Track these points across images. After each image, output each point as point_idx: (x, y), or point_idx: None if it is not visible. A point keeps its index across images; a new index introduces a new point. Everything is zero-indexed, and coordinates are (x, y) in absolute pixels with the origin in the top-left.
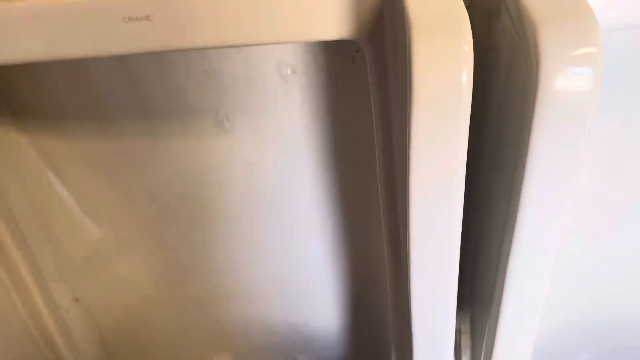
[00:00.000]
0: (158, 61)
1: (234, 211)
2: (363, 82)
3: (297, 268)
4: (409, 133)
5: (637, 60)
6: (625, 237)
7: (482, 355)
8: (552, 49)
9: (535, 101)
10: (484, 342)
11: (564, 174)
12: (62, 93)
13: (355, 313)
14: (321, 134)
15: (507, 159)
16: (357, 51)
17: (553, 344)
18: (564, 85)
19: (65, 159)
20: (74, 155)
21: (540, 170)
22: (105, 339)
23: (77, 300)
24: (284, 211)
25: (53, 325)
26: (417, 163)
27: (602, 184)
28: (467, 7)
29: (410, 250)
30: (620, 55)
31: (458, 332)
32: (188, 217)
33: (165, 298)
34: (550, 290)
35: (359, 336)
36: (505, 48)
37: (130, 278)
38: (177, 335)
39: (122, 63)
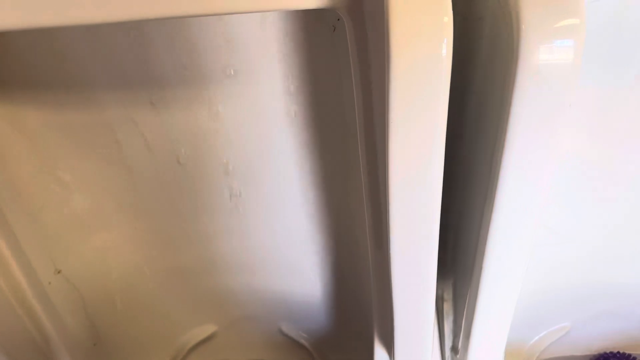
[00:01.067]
0: (133, 30)
1: (217, 180)
2: (344, 51)
3: (281, 238)
4: (387, 106)
5: (623, 29)
6: (605, 202)
7: (463, 322)
8: (533, 20)
9: (516, 73)
10: (465, 309)
11: (545, 146)
12: (35, 62)
13: (339, 283)
14: (303, 103)
15: (489, 131)
16: (339, 19)
17: (534, 311)
18: (545, 57)
19: (41, 129)
20: (49, 125)
21: (520, 142)
22: (89, 310)
23: (59, 272)
24: (268, 181)
25: (34, 297)
26: (396, 135)
27: (585, 149)
28: None
29: (390, 219)
30: (606, 23)
31: (441, 299)
32: (170, 187)
33: (149, 269)
34: (530, 257)
35: (342, 306)
36: (488, 19)
37: (113, 248)
38: (162, 306)
39: (95, 31)
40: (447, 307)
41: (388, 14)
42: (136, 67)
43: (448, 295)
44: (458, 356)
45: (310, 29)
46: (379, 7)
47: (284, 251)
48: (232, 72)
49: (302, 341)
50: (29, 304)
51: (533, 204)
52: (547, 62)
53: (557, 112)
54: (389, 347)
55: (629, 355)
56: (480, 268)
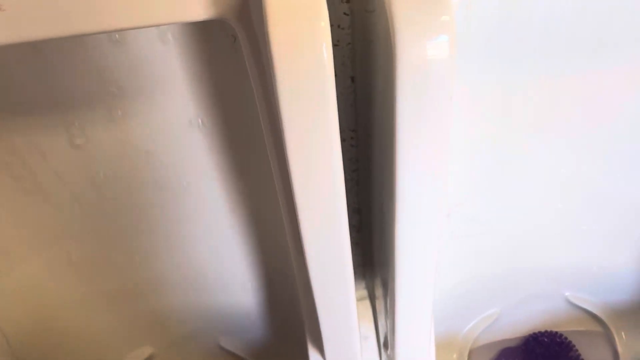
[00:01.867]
0: (34, 54)
1: (139, 201)
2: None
3: (209, 254)
4: (279, 115)
5: (518, 24)
6: (523, 191)
7: (388, 318)
8: (405, 21)
9: (396, 73)
10: (388, 306)
11: (433, 138)
12: None
13: (272, 292)
14: (212, 118)
15: (386, 129)
16: None
17: (464, 301)
18: (420, 55)
19: None
20: None
21: (409, 137)
22: (14, 347)
23: None
24: (188, 197)
25: None
26: (292, 140)
27: (499, 141)
28: None
29: (300, 224)
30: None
31: (374, 298)
32: (90, 212)
33: (77, 296)
34: (452, 248)
35: (277, 314)
36: (378, 25)
37: (35, 279)
38: (94, 334)
39: None
40: (379, 305)
41: (267, 23)
42: (41, 92)
43: (379, 293)
44: (388, 352)
45: (211, 41)
46: (261, 17)
47: (214, 266)
48: (137, 90)
49: (242, 354)
50: None
51: (432, 196)
52: (423, 60)
53: (440, 106)
54: (321, 350)
55: (556, 332)
56: (394, 263)
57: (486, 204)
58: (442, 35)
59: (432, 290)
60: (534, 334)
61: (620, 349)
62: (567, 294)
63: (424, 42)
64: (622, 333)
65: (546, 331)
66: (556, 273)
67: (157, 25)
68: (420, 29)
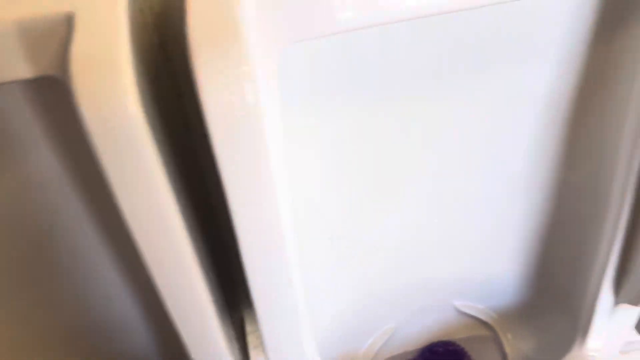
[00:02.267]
0: None
1: (29, 253)
2: None
3: (106, 300)
4: (103, 170)
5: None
6: (400, 205)
7: None
8: (208, 76)
9: (207, 123)
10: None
11: (257, 179)
12: None
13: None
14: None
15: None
16: None
17: (358, 319)
18: (227, 105)
19: None
20: None
21: (232, 180)
22: None
23: None
24: (78, 249)
25: None
26: (120, 193)
27: (370, 162)
28: None
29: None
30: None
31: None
32: None
33: None
34: (341, 269)
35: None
36: None
37: None
38: None
39: None
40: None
41: (73, 81)
42: None
43: None
44: None
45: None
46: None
47: (113, 314)
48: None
49: None
50: None
51: (269, 226)
52: (228, 110)
53: (256, 149)
54: None
55: (449, 341)
56: (252, 296)
57: (367, 224)
58: (245, 84)
59: (297, 320)
60: (429, 344)
61: (508, 350)
62: (456, 303)
63: (227, 93)
64: (508, 335)
65: (440, 341)
66: (444, 284)
67: None
68: (222, 82)
